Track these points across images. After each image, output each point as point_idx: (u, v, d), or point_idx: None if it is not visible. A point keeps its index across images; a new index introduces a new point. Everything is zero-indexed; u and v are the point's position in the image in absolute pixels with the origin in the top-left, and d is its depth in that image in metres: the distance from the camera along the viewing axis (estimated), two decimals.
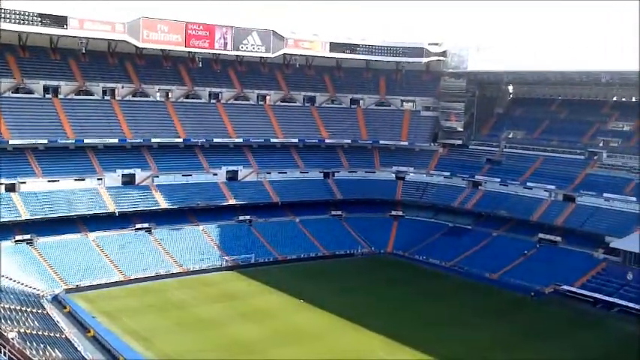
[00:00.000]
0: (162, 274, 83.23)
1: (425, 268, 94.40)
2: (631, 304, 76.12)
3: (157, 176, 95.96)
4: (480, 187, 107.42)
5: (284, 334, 63.47)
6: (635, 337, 68.32)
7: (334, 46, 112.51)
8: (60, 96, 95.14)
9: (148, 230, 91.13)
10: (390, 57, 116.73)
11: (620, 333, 69.89)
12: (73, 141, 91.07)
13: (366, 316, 68.71)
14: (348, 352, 59.34)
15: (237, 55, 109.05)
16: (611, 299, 78.49)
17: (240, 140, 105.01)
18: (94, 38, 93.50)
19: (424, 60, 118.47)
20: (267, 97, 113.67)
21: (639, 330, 70.12)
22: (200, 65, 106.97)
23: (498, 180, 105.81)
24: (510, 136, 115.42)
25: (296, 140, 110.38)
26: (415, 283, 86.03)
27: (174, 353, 57.40)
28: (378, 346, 61.12)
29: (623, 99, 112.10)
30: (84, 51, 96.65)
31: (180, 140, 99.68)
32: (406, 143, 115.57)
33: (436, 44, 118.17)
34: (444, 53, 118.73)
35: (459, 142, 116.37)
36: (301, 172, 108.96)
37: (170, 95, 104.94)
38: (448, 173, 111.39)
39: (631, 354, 63.18)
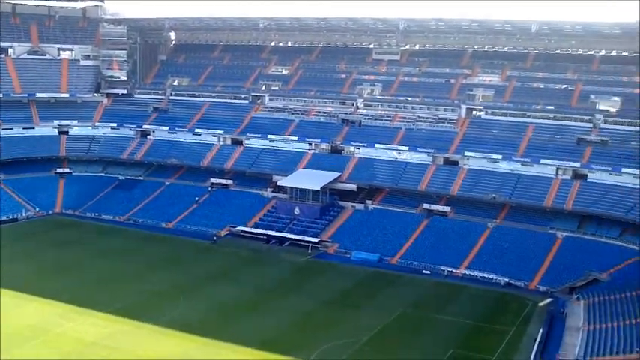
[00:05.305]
0: None
1: (98, 225, 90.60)
2: (299, 237, 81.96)
3: None
4: (148, 137, 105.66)
5: None
6: (302, 264, 75.60)
7: None
8: None
9: None
10: (39, 1, 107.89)
11: (290, 263, 75.71)
12: None
13: (40, 284, 63.70)
14: (27, 327, 53.70)
15: None
16: (282, 234, 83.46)
17: None
18: None
19: (79, 5, 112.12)
20: None
21: (307, 259, 77.32)
22: None
23: (167, 128, 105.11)
24: (175, 83, 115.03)
25: None
26: (88, 242, 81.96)
27: None
28: (57, 313, 56.91)
29: (281, 44, 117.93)
30: None
31: None
32: (67, 95, 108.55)
33: None
34: None
35: (124, 91, 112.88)
36: None
37: None
38: (115, 124, 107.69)
39: (300, 279, 70.21)
